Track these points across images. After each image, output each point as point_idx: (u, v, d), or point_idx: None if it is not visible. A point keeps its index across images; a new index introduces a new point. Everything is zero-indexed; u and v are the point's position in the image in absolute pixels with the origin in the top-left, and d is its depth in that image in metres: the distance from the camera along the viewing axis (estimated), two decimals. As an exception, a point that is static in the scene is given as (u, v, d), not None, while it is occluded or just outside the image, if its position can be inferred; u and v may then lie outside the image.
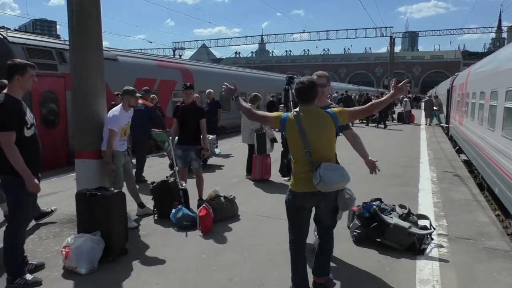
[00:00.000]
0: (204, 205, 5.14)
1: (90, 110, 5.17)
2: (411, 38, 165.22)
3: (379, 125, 20.80)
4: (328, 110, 3.36)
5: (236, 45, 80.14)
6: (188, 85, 6.05)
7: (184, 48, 74.19)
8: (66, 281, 3.77)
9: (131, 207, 5.81)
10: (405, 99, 24.42)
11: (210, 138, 9.95)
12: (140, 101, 8.33)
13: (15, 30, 10.75)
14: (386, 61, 68.47)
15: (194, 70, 16.54)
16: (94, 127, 5.20)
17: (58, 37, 11.76)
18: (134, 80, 12.71)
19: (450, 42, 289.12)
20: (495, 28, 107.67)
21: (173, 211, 5.23)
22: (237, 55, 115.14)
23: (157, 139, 7.76)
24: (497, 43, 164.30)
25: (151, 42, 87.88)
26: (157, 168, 9.03)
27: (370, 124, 21.49)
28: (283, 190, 6.86)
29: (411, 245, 4.39)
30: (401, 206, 4.93)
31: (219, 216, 5.33)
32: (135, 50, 19.97)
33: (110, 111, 5.35)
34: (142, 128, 7.65)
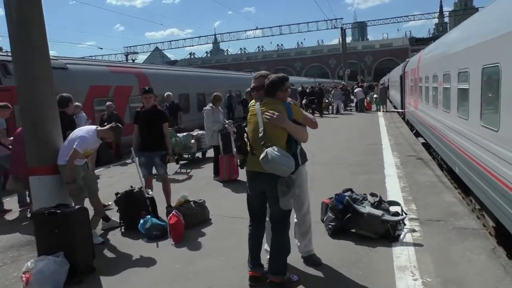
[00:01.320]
0: (173, 212, 4.94)
1: (42, 123, 4.82)
2: (361, 28, 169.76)
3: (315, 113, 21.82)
4: (286, 102, 3.57)
5: (190, 46, 79.23)
6: (147, 89, 5.82)
7: (137, 53, 72.61)
8: (30, 309, 3.49)
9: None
10: (357, 89, 24.97)
11: (200, 133, 9.86)
12: None
13: (-50, 43, 9.99)
14: (339, 52, 69.94)
15: (150, 74, 16.11)
16: (48, 141, 4.85)
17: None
18: (87, 88, 12.20)
19: (398, 30, 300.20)
20: (437, 14, 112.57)
21: (141, 221, 5.00)
22: (192, 56, 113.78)
23: None
24: (440, 28, 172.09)
25: (101, 48, 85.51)
26: (120, 177, 8.66)
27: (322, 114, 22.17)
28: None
29: (386, 233, 4.41)
30: (372, 195, 4.94)
31: (190, 222, 5.15)
32: (87, 58, 19.07)
33: (80, 130, 5.01)
34: None
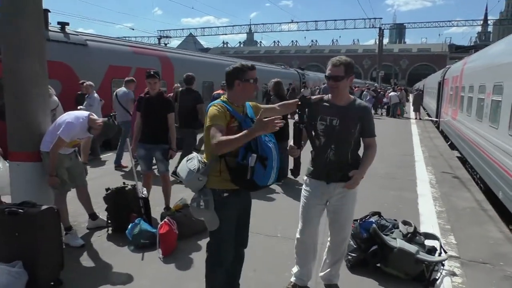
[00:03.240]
0: (165, 219, 4.22)
1: (26, 102, 4.18)
2: (399, 30, 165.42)
3: None
4: (248, 102, 2.90)
5: (223, 34, 78.61)
6: (151, 72, 5.08)
7: (170, 37, 72.30)
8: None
9: (83, 217, 4.89)
10: (392, 93, 23.72)
11: None
12: None
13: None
14: (374, 53, 67.93)
15: (174, 58, 15.46)
16: (32, 123, 4.21)
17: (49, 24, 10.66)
18: (106, 68, 11.65)
19: (439, 35, 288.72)
20: (481, 22, 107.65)
21: (130, 225, 4.31)
22: (225, 45, 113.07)
23: None
24: (483, 37, 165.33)
25: (133, 29, 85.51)
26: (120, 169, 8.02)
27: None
28: (269, 196, 5.95)
29: (419, 274, 3.56)
30: (405, 223, 4.08)
31: (186, 231, 4.42)
32: (111, 37, 18.49)
33: (69, 114, 4.35)
34: None
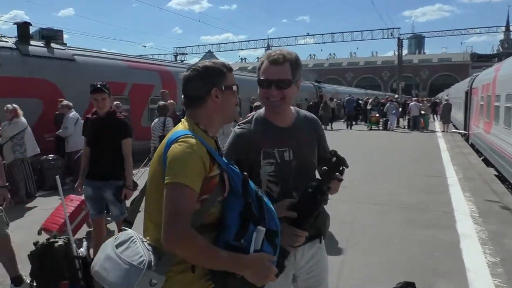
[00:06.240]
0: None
1: None
2: (417, 41, 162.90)
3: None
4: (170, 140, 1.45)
5: (239, 49, 78.18)
6: (98, 85, 3.80)
7: (186, 54, 72.20)
8: None
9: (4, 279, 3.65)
10: (412, 103, 22.20)
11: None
12: None
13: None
14: (393, 65, 66.26)
15: (178, 73, 14.39)
16: None
17: (64, 44, 10.62)
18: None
19: (461, 43, 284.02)
20: (504, 29, 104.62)
21: (54, 300, 3.04)
22: (243, 61, 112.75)
23: None
24: (505, 45, 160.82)
25: (145, 46, 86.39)
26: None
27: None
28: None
29: None
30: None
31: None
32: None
33: None
34: None
